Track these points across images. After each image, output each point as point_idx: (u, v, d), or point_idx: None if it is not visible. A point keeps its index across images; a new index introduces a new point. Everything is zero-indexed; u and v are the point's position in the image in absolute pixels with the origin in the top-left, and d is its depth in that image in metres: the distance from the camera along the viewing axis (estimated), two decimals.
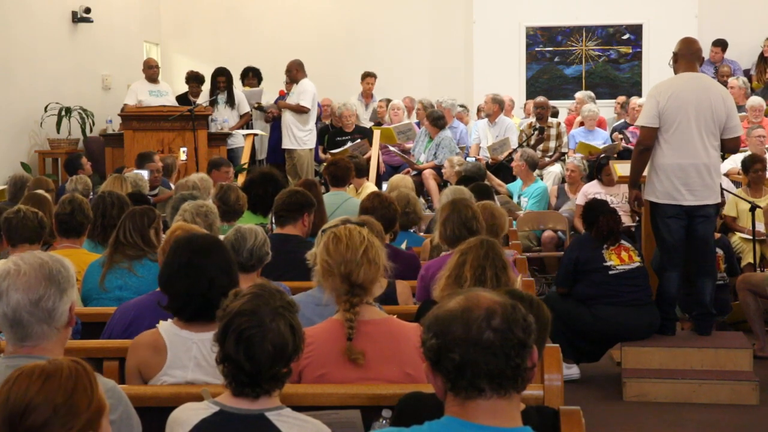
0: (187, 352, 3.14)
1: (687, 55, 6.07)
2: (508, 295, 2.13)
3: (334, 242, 3.17)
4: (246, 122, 11.42)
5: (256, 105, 11.32)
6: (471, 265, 3.46)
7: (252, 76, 11.97)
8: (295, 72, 10.82)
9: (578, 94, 12.35)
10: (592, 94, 12.26)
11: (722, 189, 6.40)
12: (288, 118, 10.79)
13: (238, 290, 2.61)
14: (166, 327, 3.20)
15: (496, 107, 10.99)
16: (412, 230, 6.21)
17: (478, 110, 12.17)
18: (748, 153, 8.56)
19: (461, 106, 12.02)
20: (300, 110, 10.69)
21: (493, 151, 10.45)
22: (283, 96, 10.97)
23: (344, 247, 3.14)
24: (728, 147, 6.15)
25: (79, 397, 1.97)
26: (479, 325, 1.95)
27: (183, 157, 9.62)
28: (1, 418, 1.93)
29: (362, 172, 8.61)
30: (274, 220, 5.33)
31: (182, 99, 11.31)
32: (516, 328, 1.96)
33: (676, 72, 6.12)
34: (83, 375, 2.01)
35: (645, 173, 6.15)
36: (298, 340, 2.52)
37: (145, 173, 8.06)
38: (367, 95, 12.46)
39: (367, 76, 12.38)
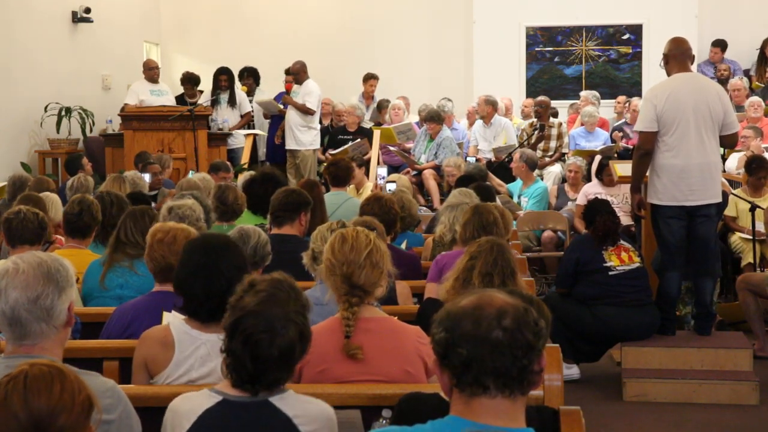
0: (195, 351, 3.15)
1: (678, 56, 6.06)
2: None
3: (340, 242, 3.21)
4: (247, 122, 11.43)
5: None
6: (479, 272, 3.45)
7: (247, 76, 11.98)
8: (301, 74, 10.82)
9: (583, 93, 12.34)
10: (597, 95, 12.26)
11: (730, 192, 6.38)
12: (292, 118, 10.79)
13: (254, 280, 2.57)
14: (177, 324, 3.20)
15: (490, 108, 10.98)
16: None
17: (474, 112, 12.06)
18: (750, 153, 8.56)
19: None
20: (306, 111, 10.68)
21: (498, 152, 10.44)
22: (289, 91, 10.96)
23: (348, 248, 3.18)
24: (726, 143, 6.15)
25: (86, 387, 2.02)
26: (489, 323, 1.96)
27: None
28: (23, 426, 1.93)
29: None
30: (271, 221, 5.33)
31: (179, 100, 11.31)
32: (526, 330, 1.97)
33: (669, 73, 6.10)
34: (71, 370, 2.05)
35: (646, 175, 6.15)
36: (305, 345, 2.51)
37: (146, 176, 8.06)
38: (368, 96, 12.46)
39: (371, 78, 12.36)
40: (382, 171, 10.09)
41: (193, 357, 3.15)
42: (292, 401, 2.48)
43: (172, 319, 3.31)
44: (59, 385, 1.96)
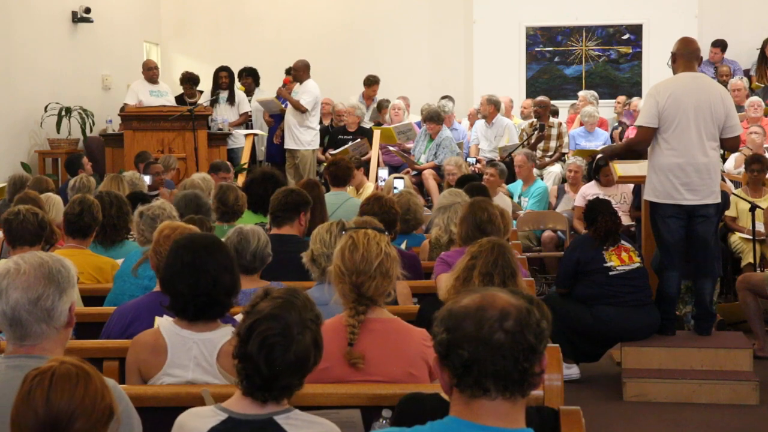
0: (188, 352, 3.14)
1: (685, 55, 6.07)
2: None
3: (351, 250, 3.16)
4: (245, 121, 11.44)
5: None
6: (479, 272, 3.43)
7: (246, 76, 11.98)
8: (301, 73, 10.80)
9: (581, 93, 12.36)
10: (596, 94, 12.27)
11: (730, 192, 6.44)
12: (291, 118, 10.80)
13: (268, 288, 2.57)
14: (167, 326, 3.20)
15: (492, 108, 10.98)
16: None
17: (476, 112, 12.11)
18: (748, 151, 8.60)
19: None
20: (298, 107, 10.67)
21: (504, 152, 10.44)
22: (286, 84, 10.95)
23: (359, 257, 3.13)
24: (728, 146, 6.15)
25: (110, 394, 2.02)
26: (491, 325, 1.95)
27: None
28: (41, 423, 1.93)
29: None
30: (270, 221, 5.33)
31: (178, 100, 11.32)
32: (528, 333, 1.96)
33: (675, 72, 6.12)
34: (98, 373, 2.05)
35: (644, 173, 6.16)
36: (318, 354, 2.51)
37: (147, 178, 8.05)
38: (368, 97, 12.46)
39: (374, 84, 12.33)
40: (383, 173, 10.08)
41: (186, 358, 3.14)
42: (298, 421, 2.46)
43: (164, 322, 3.31)
44: (83, 388, 1.97)
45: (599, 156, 9.47)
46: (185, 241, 3.32)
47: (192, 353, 3.14)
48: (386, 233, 3.33)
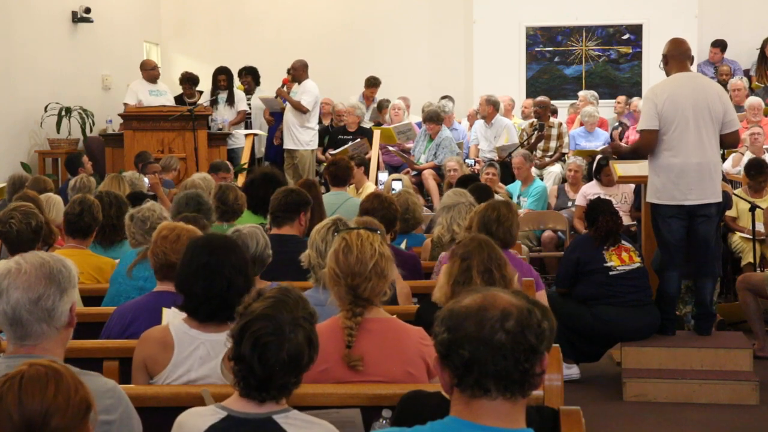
0: (194, 352, 3.15)
1: (677, 56, 6.07)
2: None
3: (345, 252, 3.15)
4: (242, 120, 11.42)
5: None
6: (477, 270, 3.43)
7: (246, 74, 11.98)
8: (300, 72, 10.80)
9: (581, 93, 12.35)
10: (596, 94, 12.27)
11: (731, 193, 6.47)
12: (290, 118, 10.80)
13: (261, 289, 2.57)
14: (176, 324, 3.21)
15: (491, 108, 10.97)
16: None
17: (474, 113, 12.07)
18: (752, 157, 8.60)
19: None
20: (299, 108, 10.66)
21: (502, 151, 10.44)
22: (285, 84, 10.96)
23: (354, 259, 3.12)
24: (727, 142, 6.14)
25: (84, 389, 2.01)
26: (492, 326, 1.95)
27: None
28: (17, 426, 1.93)
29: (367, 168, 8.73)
30: (270, 221, 5.33)
31: (178, 100, 11.31)
32: (529, 333, 1.96)
33: (668, 73, 6.11)
34: (69, 371, 2.05)
35: (645, 173, 6.16)
36: (313, 352, 2.50)
37: (146, 180, 8.05)
38: (367, 98, 12.46)
39: (372, 86, 12.32)
40: (383, 176, 10.07)
41: (192, 357, 3.15)
42: (296, 421, 2.47)
43: (172, 317, 3.31)
44: (54, 386, 1.96)
45: (600, 156, 9.49)
46: (202, 241, 3.33)
47: (198, 353, 3.15)
48: (378, 232, 3.31)
